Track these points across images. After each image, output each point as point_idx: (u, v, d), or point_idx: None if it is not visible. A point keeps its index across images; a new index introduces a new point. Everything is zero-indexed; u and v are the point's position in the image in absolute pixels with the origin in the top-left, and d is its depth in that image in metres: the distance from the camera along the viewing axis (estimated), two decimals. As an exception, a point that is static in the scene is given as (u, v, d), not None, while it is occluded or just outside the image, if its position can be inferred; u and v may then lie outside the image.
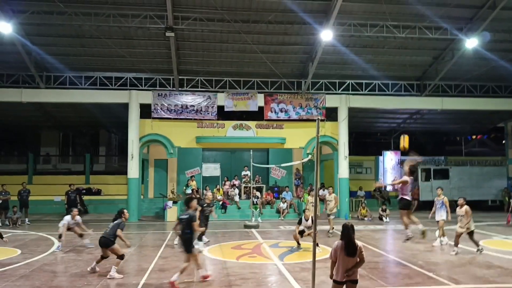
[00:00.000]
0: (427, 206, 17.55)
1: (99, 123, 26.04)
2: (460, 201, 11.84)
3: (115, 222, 9.53)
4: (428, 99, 21.55)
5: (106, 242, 9.27)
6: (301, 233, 12.47)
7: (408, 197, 12.32)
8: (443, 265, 10.25)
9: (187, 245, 8.61)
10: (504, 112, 23.31)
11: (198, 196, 20.32)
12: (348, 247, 5.70)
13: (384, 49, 18.97)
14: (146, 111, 20.14)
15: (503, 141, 28.37)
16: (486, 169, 25.68)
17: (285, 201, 20.28)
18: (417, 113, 25.58)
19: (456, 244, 11.58)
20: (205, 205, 12.78)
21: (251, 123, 21.00)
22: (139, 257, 11.63)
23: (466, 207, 11.55)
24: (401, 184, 12.24)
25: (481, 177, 24.84)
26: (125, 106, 19.87)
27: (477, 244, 11.60)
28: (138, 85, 20.03)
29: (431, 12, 16.42)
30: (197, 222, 8.94)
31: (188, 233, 8.57)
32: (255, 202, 19.64)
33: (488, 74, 20.73)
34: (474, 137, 34.03)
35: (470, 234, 11.59)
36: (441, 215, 13.02)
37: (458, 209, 11.75)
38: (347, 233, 5.79)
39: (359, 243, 5.84)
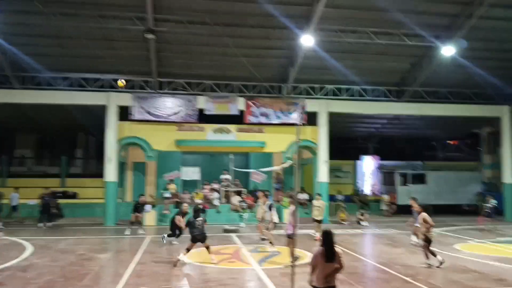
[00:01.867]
0: (405, 210, 17.77)
1: (77, 125, 25.55)
2: (418, 208, 11.50)
3: None
4: (406, 105, 21.86)
5: None
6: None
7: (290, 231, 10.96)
8: (420, 270, 10.35)
9: None
10: (479, 118, 23.83)
11: (178, 200, 20.17)
12: (328, 254, 5.71)
13: (364, 55, 19.17)
14: (125, 114, 19.85)
15: (478, 147, 29.05)
16: (462, 174, 26.20)
17: (265, 205, 20.23)
18: (396, 119, 25.92)
19: (428, 257, 10.68)
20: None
21: (232, 127, 20.92)
22: (115, 262, 11.43)
23: (422, 214, 10.97)
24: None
25: (457, 182, 25.33)
26: (103, 108, 19.54)
27: (430, 255, 10.71)
28: (117, 87, 19.73)
29: (409, 19, 16.66)
30: None
31: None
32: (244, 207, 19.61)
33: (465, 81, 21.19)
34: (450, 142, 34.71)
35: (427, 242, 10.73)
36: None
37: (418, 216, 11.27)
38: (328, 239, 5.80)
39: (338, 249, 5.85)
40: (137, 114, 19.64)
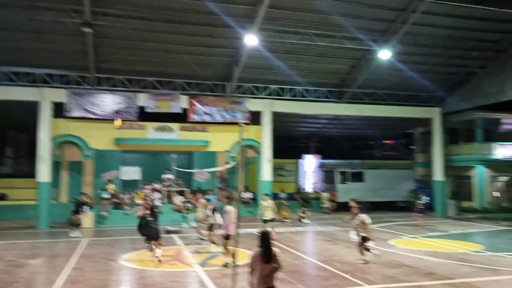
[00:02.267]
0: (345, 207, 18.35)
1: (6, 122, 23.90)
2: (356, 210, 11.66)
3: None
4: (346, 106, 22.58)
5: None
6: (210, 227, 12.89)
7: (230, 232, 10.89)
8: (357, 266, 10.70)
9: None
10: (413, 119, 25.11)
11: (118, 201, 19.53)
12: (265, 254, 5.72)
13: (306, 56, 19.53)
14: (60, 110, 18.83)
15: (412, 146, 30.63)
16: (397, 172, 27.50)
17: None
18: (336, 119, 26.69)
19: (363, 253, 11.10)
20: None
21: (174, 125, 20.52)
22: (48, 268, 10.80)
23: (360, 216, 11.18)
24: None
25: (392, 180, 26.55)
26: (36, 104, 18.42)
27: (367, 250, 11.14)
28: (51, 82, 18.70)
29: (349, 23, 17.20)
30: None
31: None
32: (188, 207, 19.29)
33: (400, 84, 22.27)
34: (387, 142, 36.33)
35: (364, 239, 11.10)
36: None
37: (356, 217, 11.42)
38: (265, 240, 5.81)
39: (275, 249, 5.86)
40: (72, 111, 18.73)
